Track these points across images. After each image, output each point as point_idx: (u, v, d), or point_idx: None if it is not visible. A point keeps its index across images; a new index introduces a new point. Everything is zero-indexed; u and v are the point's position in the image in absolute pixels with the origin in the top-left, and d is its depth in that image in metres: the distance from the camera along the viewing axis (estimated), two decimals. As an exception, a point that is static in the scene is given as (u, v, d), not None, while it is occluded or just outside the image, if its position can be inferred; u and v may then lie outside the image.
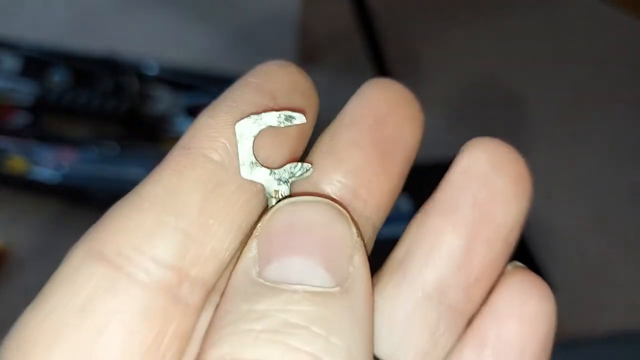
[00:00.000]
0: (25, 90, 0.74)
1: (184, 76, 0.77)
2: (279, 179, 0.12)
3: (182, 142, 0.12)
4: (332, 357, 0.10)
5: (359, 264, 0.11)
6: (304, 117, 0.12)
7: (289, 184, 0.12)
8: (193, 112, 0.74)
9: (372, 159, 0.13)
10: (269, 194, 0.12)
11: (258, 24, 0.90)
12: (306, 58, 0.90)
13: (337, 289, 0.11)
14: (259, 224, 0.12)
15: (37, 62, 0.78)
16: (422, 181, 0.45)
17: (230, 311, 0.11)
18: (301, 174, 0.12)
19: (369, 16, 0.76)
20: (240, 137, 0.12)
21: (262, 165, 0.12)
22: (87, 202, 0.67)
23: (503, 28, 1.03)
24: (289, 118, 0.12)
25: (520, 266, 0.13)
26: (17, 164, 0.66)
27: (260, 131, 0.12)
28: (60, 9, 0.95)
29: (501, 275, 0.12)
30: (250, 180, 0.12)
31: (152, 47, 0.90)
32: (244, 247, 0.12)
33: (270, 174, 0.12)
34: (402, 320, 0.12)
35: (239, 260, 0.12)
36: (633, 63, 1.00)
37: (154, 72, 0.76)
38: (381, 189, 0.13)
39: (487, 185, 0.12)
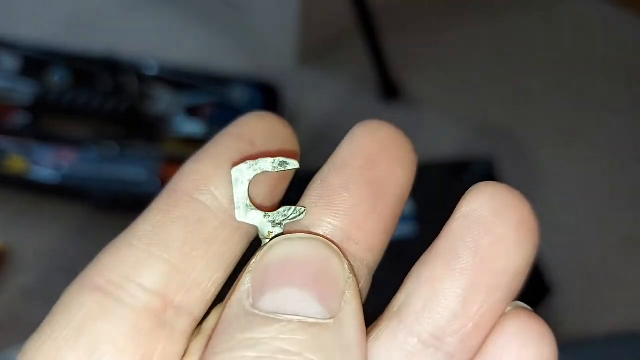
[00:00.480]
0: (24, 90, 0.74)
1: (184, 76, 0.77)
2: (273, 222, 0.13)
3: (169, 186, 0.14)
4: None
5: (351, 298, 0.12)
6: (297, 163, 0.13)
7: (282, 227, 0.13)
8: (193, 112, 0.74)
9: (364, 200, 0.13)
10: (263, 235, 0.13)
11: (258, 24, 0.90)
12: (306, 58, 0.90)
13: (331, 320, 0.11)
14: (253, 260, 0.12)
15: (36, 62, 0.78)
16: (422, 181, 0.45)
17: (223, 340, 0.11)
18: (295, 217, 0.13)
19: (369, 16, 0.76)
20: (235, 181, 0.12)
21: (257, 208, 0.13)
22: (87, 202, 0.67)
23: (504, 28, 1.03)
24: (282, 163, 0.13)
25: (521, 306, 0.13)
26: (16, 164, 0.66)
27: (255, 176, 0.13)
28: (60, 8, 0.95)
29: (500, 317, 0.12)
30: (245, 223, 0.13)
31: (152, 47, 0.90)
32: (235, 281, 0.13)
33: (264, 217, 0.13)
34: None
35: (233, 294, 0.12)
36: (634, 62, 1.00)
37: (153, 72, 0.76)
38: (373, 229, 0.13)
39: (488, 231, 0.12)
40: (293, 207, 0.13)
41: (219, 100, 0.74)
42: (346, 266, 0.12)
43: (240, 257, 0.13)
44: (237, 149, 0.13)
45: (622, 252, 0.73)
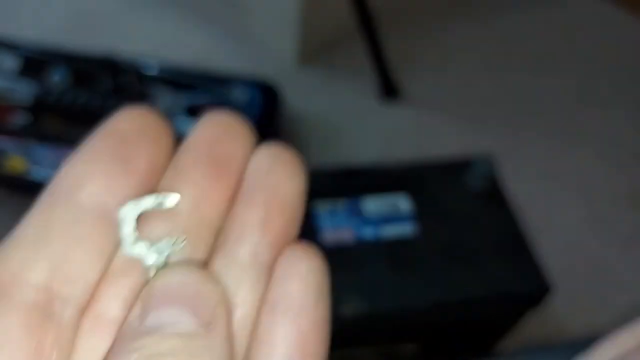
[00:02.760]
0: (24, 90, 0.74)
1: (184, 76, 0.77)
2: (156, 252, 0.14)
3: (48, 188, 0.15)
4: None
5: (222, 313, 0.14)
6: (177, 197, 0.15)
7: (165, 256, 0.14)
8: (193, 112, 0.74)
9: (209, 174, 0.16)
10: (147, 265, 0.14)
11: (258, 24, 0.90)
12: (306, 58, 0.90)
13: (201, 330, 0.14)
14: (144, 290, 0.14)
15: (36, 62, 0.78)
16: (422, 181, 0.45)
17: (112, 351, 0.14)
18: (175, 247, 0.14)
19: (369, 17, 0.76)
20: (122, 220, 0.14)
21: (142, 241, 0.14)
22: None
23: (503, 28, 1.03)
24: (161, 204, 0.14)
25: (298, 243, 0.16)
26: (16, 164, 0.66)
27: (139, 214, 0.14)
28: (60, 9, 0.95)
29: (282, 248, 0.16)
30: (132, 255, 0.14)
31: (152, 46, 0.90)
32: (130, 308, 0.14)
33: (149, 249, 0.14)
34: (234, 283, 0.15)
35: (125, 320, 0.14)
36: (634, 62, 1.00)
37: (153, 71, 0.76)
38: (220, 198, 0.16)
39: (270, 175, 0.16)
40: (175, 238, 0.14)
41: (219, 100, 0.74)
42: (220, 287, 0.14)
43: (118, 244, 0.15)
44: (109, 147, 0.15)
45: (621, 252, 0.73)
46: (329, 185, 0.43)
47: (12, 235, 0.15)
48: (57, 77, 0.74)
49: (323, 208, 0.42)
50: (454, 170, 0.45)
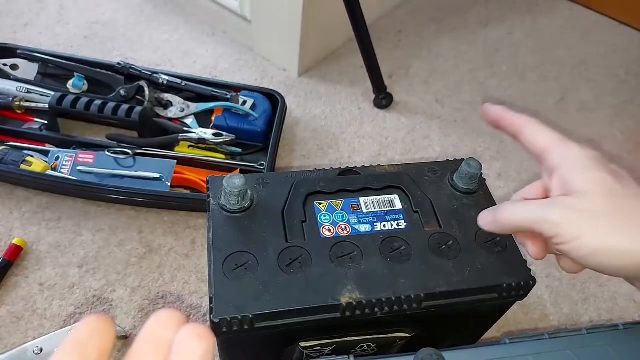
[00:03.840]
0: (44, 96, 0.74)
1: (194, 85, 0.77)
2: None
3: None
4: None
5: None
6: None
7: None
8: (203, 117, 0.74)
9: (152, 352, 0.20)
10: None
11: (264, 38, 0.90)
12: (307, 70, 0.91)
13: None
14: None
15: (55, 70, 0.78)
16: (414, 181, 0.45)
17: None
18: None
19: (364, 32, 0.76)
20: None
21: None
22: (103, 201, 0.67)
23: (488, 39, 1.03)
24: None
25: None
26: (36, 165, 0.66)
27: None
28: (76, 20, 0.95)
29: None
30: None
31: (164, 57, 0.90)
32: None
33: None
34: None
35: None
36: (613, 68, 1.00)
37: (165, 80, 0.76)
38: None
39: (187, 343, 0.20)
40: None
41: (227, 107, 0.74)
42: None
43: None
44: (74, 348, 0.19)
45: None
46: (328, 184, 0.43)
47: None
48: (75, 85, 0.74)
49: (322, 206, 0.42)
50: (443, 171, 0.45)
